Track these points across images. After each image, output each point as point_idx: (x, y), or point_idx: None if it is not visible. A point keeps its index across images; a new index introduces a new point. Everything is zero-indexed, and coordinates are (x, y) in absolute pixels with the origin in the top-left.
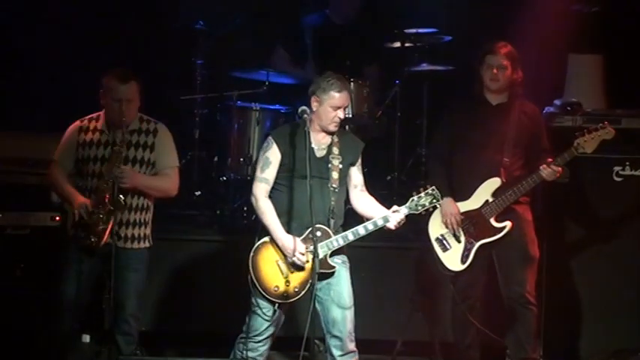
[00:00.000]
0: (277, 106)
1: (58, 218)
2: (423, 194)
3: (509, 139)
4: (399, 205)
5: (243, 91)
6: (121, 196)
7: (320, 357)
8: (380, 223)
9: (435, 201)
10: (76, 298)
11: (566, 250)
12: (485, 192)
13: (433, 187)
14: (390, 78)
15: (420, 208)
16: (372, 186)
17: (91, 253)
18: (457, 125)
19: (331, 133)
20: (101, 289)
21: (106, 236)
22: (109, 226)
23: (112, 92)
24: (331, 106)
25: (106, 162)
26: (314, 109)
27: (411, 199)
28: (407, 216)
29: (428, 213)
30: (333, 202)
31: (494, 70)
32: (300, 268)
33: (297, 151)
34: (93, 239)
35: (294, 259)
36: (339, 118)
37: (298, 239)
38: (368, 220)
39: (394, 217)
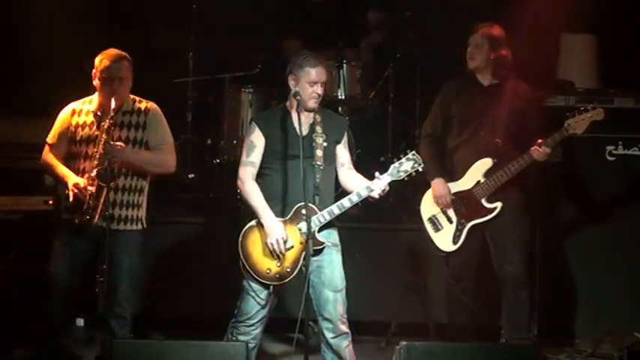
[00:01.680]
0: (270, 88)
1: (51, 202)
2: (403, 160)
3: (500, 120)
4: (394, 184)
5: (235, 73)
6: (109, 170)
7: (314, 339)
8: (364, 193)
9: (416, 165)
10: (68, 281)
11: (560, 230)
12: (476, 172)
13: (413, 151)
14: (383, 59)
15: (402, 174)
16: (366, 168)
17: (83, 235)
18: (450, 106)
19: (311, 110)
20: (94, 273)
21: (97, 213)
22: (101, 202)
23: (103, 71)
24: (308, 82)
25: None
26: (292, 88)
27: (392, 166)
28: (391, 185)
29: (422, 194)
30: (318, 180)
31: (469, 49)
32: (279, 255)
33: (281, 133)
34: (85, 217)
35: (274, 244)
36: (317, 94)
37: (282, 224)
38: None
39: (376, 185)
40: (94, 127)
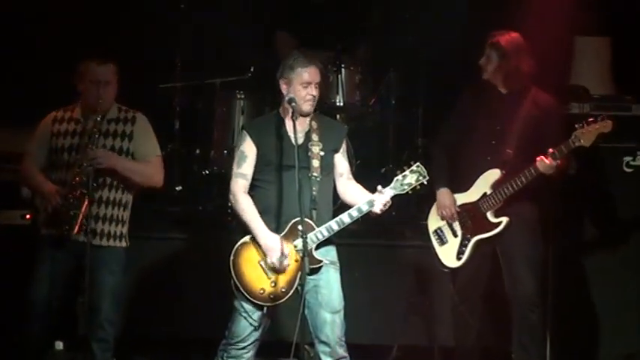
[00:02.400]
0: (264, 94)
1: (28, 216)
2: (407, 172)
3: (514, 130)
4: (396, 196)
5: (226, 77)
6: (92, 182)
7: None
8: (365, 208)
9: (421, 178)
10: (47, 302)
11: (575, 247)
12: (483, 184)
13: (418, 163)
14: (384, 62)
15: (406, 187)
16: (366, 179)
17: (63, 251)
18: (466, 114)
19: (306, 115)
20: (75, 292)
21: (78, 224)
22: (82, 212)
23: (88, 75)
24: (301, 83)
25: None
26: (284, 92)
27: (395, 179)
28: (393, 198)
29: (428, 207)
30: (315, 192)
31: (481, 60)
32: (281, 270)
33: (274, 142)
34: (65, 227)
35: (275, 262)
36: (312, 95)
37: (279, 239)
38: None
39: (378, 199)
40: (76, 136)
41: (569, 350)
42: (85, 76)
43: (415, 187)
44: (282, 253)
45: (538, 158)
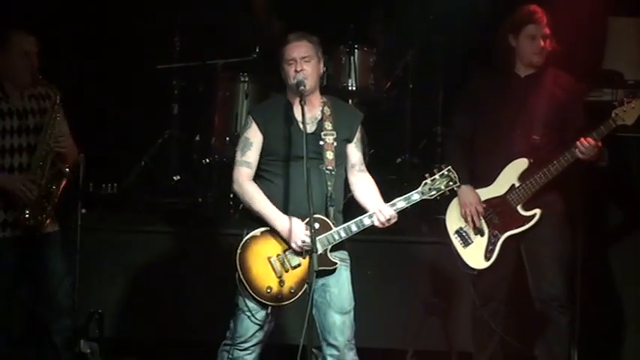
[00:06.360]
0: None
1: None
2: (437, 176)
3: (539, 114)
4: (412, 189)
5: (229, 59)
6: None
7: None
8: (367, 222)
9: (451, 184)
10: (9, 311)
11: (606, 244)
12: (510, 175)
13: (449, 167)
14: (401, 43)
15: (434, 192)
16: (380, 170)
17: (28, 245)
18: (481, 101)
19: (307, 94)
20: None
21: (47, 215)
22: (52, 204)
23: (19, 45)
24: (285, 62)
25: (31, 131)
26: (285, 80)
27: (423, 182)
28: (417, 202)
29: (445, 201)
30: (330, 188)
31: (541, 43)
32: (297, 265)
33: (282, 129)
34: (32, 220)
35: (298, 243)
36: (297, 71)
37: (298, 220)
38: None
39: (376, 217)
40: (6, 117)
41: (601, 355)
42: (12, 47)
43: (444, 192)
44: (307, 233)
45: (578, 141)
